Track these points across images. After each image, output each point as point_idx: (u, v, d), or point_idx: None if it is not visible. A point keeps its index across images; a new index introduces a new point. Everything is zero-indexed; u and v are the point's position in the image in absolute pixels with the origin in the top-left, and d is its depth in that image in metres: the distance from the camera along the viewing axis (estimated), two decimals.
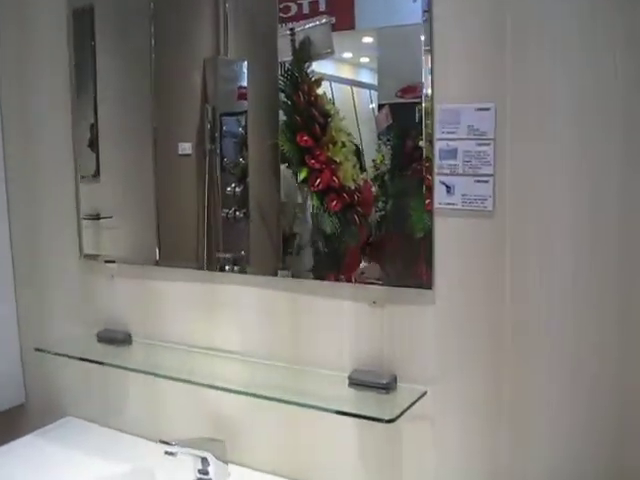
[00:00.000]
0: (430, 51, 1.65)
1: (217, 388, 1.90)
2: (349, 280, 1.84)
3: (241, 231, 2.04)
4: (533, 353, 1.64)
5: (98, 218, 2.33)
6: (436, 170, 1.70)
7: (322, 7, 1.77)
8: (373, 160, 1.77)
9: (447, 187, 1.68)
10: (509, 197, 1.63)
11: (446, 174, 1.68)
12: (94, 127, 2.29)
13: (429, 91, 1.65)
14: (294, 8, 1.81)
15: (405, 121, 1.72)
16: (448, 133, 1.66)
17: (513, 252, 1.64)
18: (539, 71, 1.56)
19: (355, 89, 1.85)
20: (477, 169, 1.64)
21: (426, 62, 1.64)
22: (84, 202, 2.37)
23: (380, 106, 1.77)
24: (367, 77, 1.83)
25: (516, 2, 1.56)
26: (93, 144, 2.31)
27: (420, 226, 1.72)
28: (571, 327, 1.59)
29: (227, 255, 2.09)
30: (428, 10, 1.62)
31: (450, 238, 1.72)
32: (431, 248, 1.72)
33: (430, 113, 1.67)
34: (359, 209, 1.81)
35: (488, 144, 1.62)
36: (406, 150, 1.73)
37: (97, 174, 2.32)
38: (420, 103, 1.68)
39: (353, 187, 1.80)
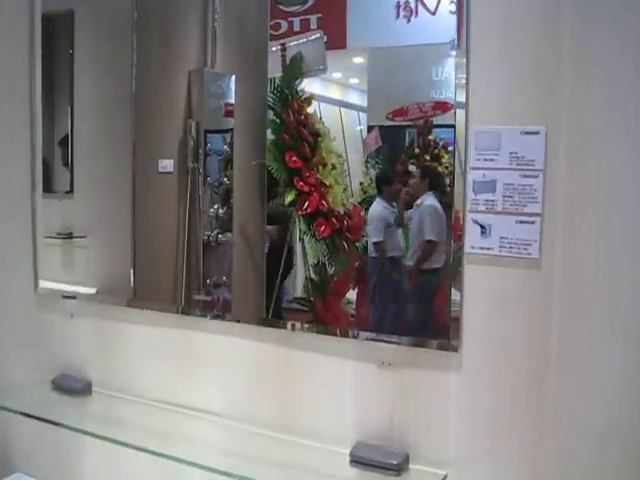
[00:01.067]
0: (466, 64, 1.57)
1: (191, 464, 1.75)
2: (338, 321, 1.86)
3: (223, 256, 2.11)
4: (582, 436, 1.49)
5: (71, 237, 2.38)
6: (468, 206, 1.57)
7: (313, 25, 1.87)
8: (360, 183, 1.87)
9: (482, 227, 1.57)
10: (560, 242, 1.48)
11: (481, 211, 1.57)
12: (69, 139, 2.38)
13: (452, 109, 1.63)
14: (285, 25, 1.91)
15: (395, 144, 1.81)
16: (485, 161, 1.55)
17: (563, 311, 1.49)
18: (605, 88, 1.42)
19: (343, 110, 1.96)
20: (521, 206, 1.52)
21: (459, 75, 1.61)
22: (56, 219, 2.40)
23: (369, 128, 1.85)
24: (356, 98, 1.92)
25: (577, 4, 1.43)
26: (67, 157, 2.39)
27: (408, 253, 1.78)
28: (633, 416, 1.43)
29: (207, 297, 2.12)
30: (464, 20, 1.58)
31: (484, 290, 1.58)
32: (459, 300, 1.60)
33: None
34: (348, 235, 1.88)
35: (536, 176, 1.49)
36: (396, 173, 1.81)
37: (71, 190, 2.39)
38: (413, 126, 1.76)
39: (342, 212, 1.88)
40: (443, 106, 1.70)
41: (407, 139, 1.79)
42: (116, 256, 2.34)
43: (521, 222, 1.52)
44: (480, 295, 1.58)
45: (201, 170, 2.14)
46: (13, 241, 2.46)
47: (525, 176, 1.51)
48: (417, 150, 1.76)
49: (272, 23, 1.94)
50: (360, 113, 1.91)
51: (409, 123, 1.77)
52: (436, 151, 1.74)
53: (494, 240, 1.55)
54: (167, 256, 2.21)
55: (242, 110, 2.08)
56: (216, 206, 2.13)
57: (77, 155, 2.38)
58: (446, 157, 1.71)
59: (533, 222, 1.51)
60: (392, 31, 1.77)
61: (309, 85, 1.92)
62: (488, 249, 1.56)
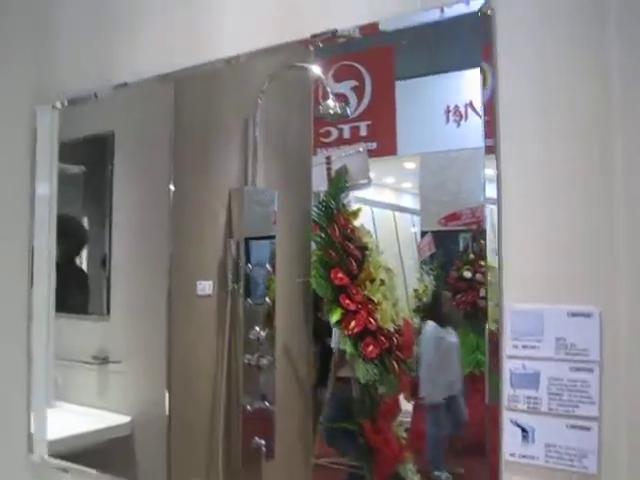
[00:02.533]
0: (498, 224, 1.42)
1: None
2: (389, 446, 1.86)
3: (266, 381, 2.12)
4: None
5: (106, 362, 2.40)
6: (505, 403, 1.37)
7: (363, 132, 1.97)
8: (415, 290, 1.91)
9: (523, 430, 1.36)
10: (625, 455, 1.24)
11: (521, 410, 1.36)
12: (107, 260, 2.47)
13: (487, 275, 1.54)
14: (335, 133, 2.02)
15: (449, 249, 1.87)
16: (524, 348, 1.36)
17: None
18: None
19: (397, 214, 2.03)
20: (572, 407, 1.30)
21: (490, 240, 1.51)
22: (92, 343, 2.44)
23: (423, 233, 1.92)
24: (409, 202, 2.01)
25: (629, 131, 1.25)
26: (104, 277, 2.48)
27: (467, 361, 1.77)
28: None
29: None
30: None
31: None
32: None
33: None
34: (398, 353, 1.90)
35: (590, 369, 1.28)
36: (450, 280, 1.85)
37: (107, 312, 2.45)
38: (466, 231, 1.82)
39: (392, 329, 1.91)
40: None
41: (461, 244, 1.85)
42: (149, 384, 2.34)
43: (573, 427, 1.31)
44: None
45: (241, 291, 2.17)
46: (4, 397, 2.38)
47: (577, 369, 1.30)
48: (472, 256, 1.81)
49: (322, 131, 2.04)
50: (414, 216, 1.99)
51: (462, 228, 1.83)
52: None
53: (539, 447, 1.33)
54: (204, 388, 2.21)
55: (285, 226, 2.15)
56: (257, 328, 2.15)
57: (114, 276, 2.45)
58: None
59: (589, 428, 1.29)
60: (442, 136, 1.86)
61: (362, 191, 2.00)
62: (532, 458, 1.34)
